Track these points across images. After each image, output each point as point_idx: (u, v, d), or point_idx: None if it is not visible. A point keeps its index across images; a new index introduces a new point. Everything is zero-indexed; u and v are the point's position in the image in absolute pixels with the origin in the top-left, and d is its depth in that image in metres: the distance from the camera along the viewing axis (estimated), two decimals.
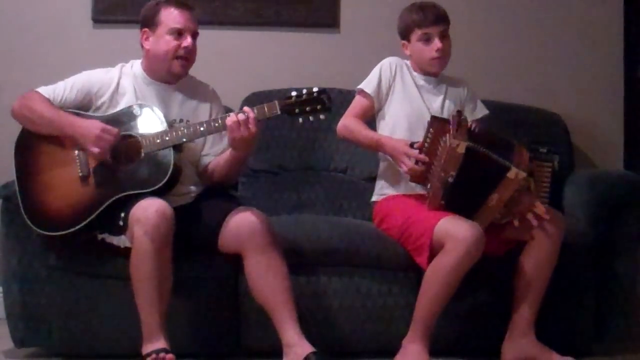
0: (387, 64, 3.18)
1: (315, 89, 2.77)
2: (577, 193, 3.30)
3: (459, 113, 2.94)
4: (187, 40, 2.97)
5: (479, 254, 2.80)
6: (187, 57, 3.00)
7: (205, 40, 3.41)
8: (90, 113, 2.98)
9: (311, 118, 2.78)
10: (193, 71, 3.13)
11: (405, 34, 3.16)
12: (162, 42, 2.97)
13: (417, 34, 3.11)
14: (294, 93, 2.77)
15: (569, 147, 3.73)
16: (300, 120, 2.78)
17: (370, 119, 3.19)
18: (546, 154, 3.15)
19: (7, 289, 3.04)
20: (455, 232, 2.80)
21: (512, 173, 2.84)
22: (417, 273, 2.95)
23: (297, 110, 2.77)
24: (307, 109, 2.76)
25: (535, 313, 2.93)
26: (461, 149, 2.84)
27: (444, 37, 3.10)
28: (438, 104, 3.16)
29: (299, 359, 2.73)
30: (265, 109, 2.78)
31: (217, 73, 3.46)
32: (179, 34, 2.97)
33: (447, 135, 2.88)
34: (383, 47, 3.34)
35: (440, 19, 3.10)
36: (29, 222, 2.89)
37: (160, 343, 2.72)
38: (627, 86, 4.00)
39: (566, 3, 3.97)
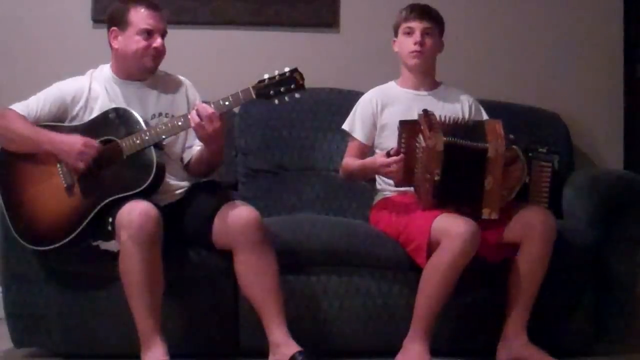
0: (367, 102, 3.22)
1: (287, 69, 2.74)
2: (577, 193, 3.29)
3: (426, 112, 2.94)
4: (157, 41, 2.94)
5: (474, 250, 2.81)
6: (157, 56, 2.97)
7: (205, 40, 3.41)
8: (66, 124, 2.95)
9: (287, 98, 2.75)
10: (194, 71, 3.12)
11: (395, 31, 3.23)
12: (132, 42, 2.94)
13: (402, 27, 3.18)
14: (266, 76, 2.75)
15: (569, 147, 3.72)
16: (277, 102, 2.75)
17: (370, 154, 3.19)
18: (546, 154, 3.14)
19: (7, 289, 3.03)
20: (450, 229, 2.81)
21: (492, 152, 2.85)
22: (417, 273, 2.94)
23: (272, 92, 2.74)
24: (282, 89, 2.74)
25: (528, 314, 2.93)
26: (439, 147, 2.84)
27: (427, 34, 3.14)
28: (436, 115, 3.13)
29: (286, 359, 2.73)
30: (240, 95, 2.76)
31: (217, 73, 3.46)
32: (148, 34, 2.94)
33: (420, 135, 2.89)
34: (383, 47, 3.34)
35: (426, 16, 3.16)
36: (21, 240, 2.88)
37: (158, 349, 2.71)
38: (627, 86, 4.00)
39: (566, 3, 3.97)
